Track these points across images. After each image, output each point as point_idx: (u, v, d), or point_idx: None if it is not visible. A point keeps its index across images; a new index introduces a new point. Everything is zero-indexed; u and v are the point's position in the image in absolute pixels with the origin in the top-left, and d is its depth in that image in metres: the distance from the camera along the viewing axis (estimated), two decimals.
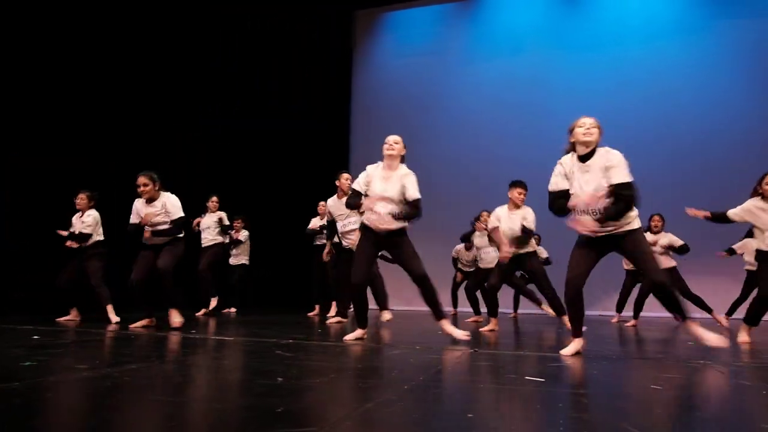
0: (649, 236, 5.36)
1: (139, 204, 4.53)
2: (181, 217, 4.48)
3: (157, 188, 4.46)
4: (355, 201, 3.65)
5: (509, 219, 4.66)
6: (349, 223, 5.02)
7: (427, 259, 3.87)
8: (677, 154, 8.68)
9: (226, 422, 1.51)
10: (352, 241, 4.85)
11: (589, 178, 2.96)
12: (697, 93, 8.87)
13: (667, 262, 5.61)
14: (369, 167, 3.72)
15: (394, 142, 3.65)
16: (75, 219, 5.30)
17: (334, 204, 5.22)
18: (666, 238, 5.73)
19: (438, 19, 10.52)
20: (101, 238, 5.23)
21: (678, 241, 5.69)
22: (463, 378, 2.41)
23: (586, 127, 3.02)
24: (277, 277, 9.02)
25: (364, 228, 3.71)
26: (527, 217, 4.61)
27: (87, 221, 5.16)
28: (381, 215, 3.52)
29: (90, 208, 5.25)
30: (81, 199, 5.23)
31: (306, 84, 10.18)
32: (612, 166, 2.91)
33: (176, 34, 9.50)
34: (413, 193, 3.53)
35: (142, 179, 4.39)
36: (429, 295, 3.59)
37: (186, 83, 9.66)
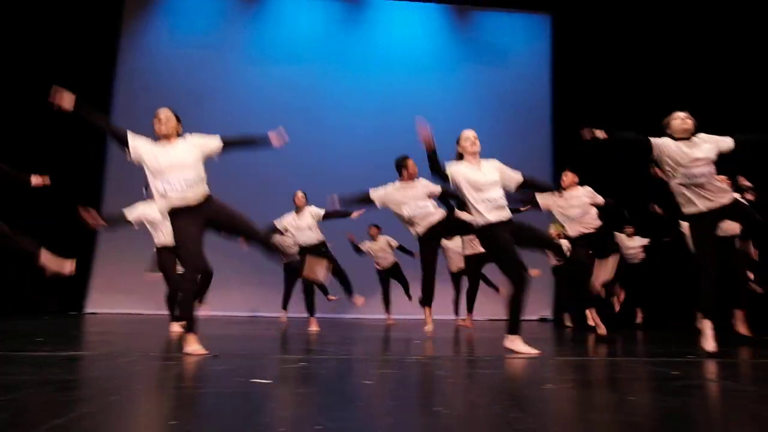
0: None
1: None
2: None
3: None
4: None
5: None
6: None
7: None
8: (430, 179, 9.79)
9: None
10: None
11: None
12: (444, 126, 10.18)
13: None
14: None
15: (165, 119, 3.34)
16: None
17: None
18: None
19: (218, 13, 10.20)
20: None
21: None
22: (186, 384, 2.32)
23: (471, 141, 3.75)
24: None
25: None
26: None
27: None
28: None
29: None
30: None
31: (65, 62, 8.84)
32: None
33: None
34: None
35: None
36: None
37: None
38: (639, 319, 7.77)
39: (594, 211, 5.13)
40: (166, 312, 5.63)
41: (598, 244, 5.12)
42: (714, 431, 1.66)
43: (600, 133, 3.62)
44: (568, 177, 5.21)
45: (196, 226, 3.13)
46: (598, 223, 5.14)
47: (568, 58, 10.15)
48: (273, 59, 10.10)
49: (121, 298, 8.88)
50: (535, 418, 1.72)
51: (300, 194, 6.05)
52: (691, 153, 3.43)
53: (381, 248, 7.75)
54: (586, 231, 5.03)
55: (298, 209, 5.93)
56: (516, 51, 10.58)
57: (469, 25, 10.68)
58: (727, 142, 3.50)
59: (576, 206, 5.05)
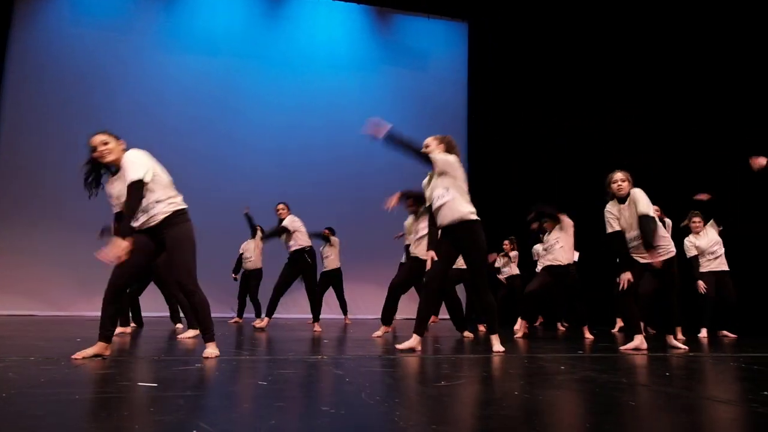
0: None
1: None
2: None
3: None
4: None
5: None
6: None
7: None
8: (343, 180, 9.80)
9: None
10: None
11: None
12: (362, 127, 10.25)
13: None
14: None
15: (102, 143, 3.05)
16: None
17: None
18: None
19: None
20: None
21: None
22: (59, 390, 2.15)
23: None
24: None
25: None
26: None
27: None
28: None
29: None
30: None
31: None
32: None
33: None
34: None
35: None
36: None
37: None
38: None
39: None
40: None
41: None
42: (574, 420, 1.77)
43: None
44: None
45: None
46: None
47: (483, 64, 10.53)
48: (188, 49, 9.70)
49: (8, 298, 8.19)
50: (419, 415, 1.76)
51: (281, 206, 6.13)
52: None
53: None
54: None
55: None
56: (435, 56, 10.84)
57: (389, 28, 10.80)
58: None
59: None
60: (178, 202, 3.09)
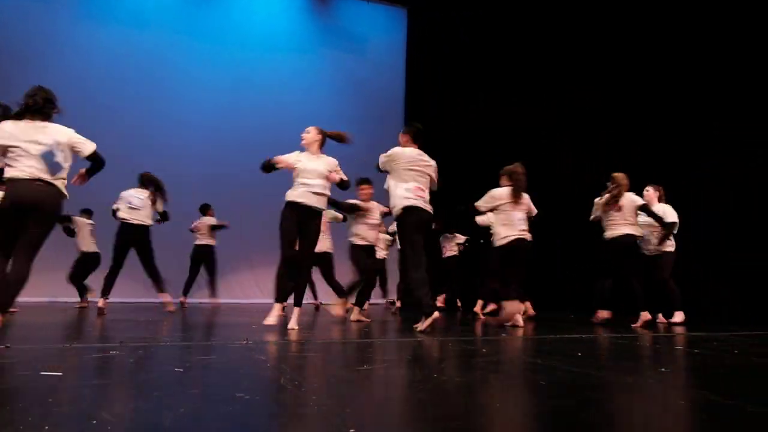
0: None
1: None
2: None
3: None
4: None
5: None
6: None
7: None
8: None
9: None
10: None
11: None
12: (299, 109, 10.07)
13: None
14: None
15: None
16: None
17: None
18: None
19: None
20: None
21: None
22: None
23: None
24: None
25: None
26: None
27: None
28: None
29: None
30: None
31: None
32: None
33: None
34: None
35: None
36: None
37: None
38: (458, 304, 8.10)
39: None
40: None
41: None
42: (485, 400, 1.83)
43: None
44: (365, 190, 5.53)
45: None
46: None
47: (421, 50, 10.59)
48: (114, 19, 9.15)
49: None
50: (336, 399, 1.76)
51: None
52: None
53: None
54: None
55: None
56: (373, 41, 10.78)
57: (328, 11, 10.63)
58: None
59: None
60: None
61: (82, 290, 6.70)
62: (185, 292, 7.46)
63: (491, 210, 4.93)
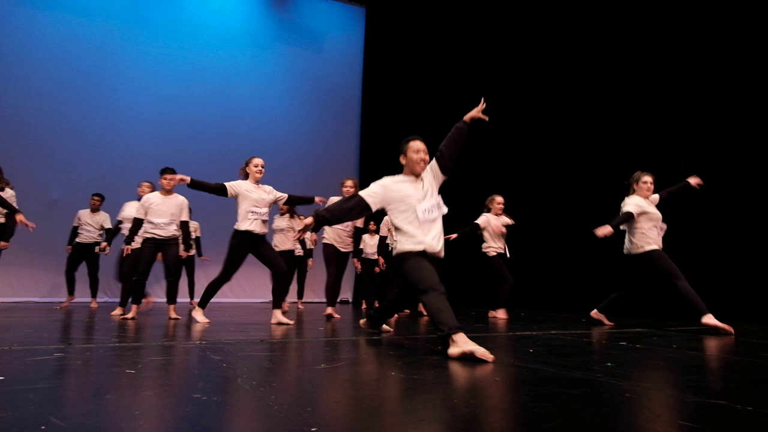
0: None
1: None
2: None
3: None
4: None
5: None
6: None
7: None
8: (229, 153, 9.44)
9: None
10: None
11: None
12: (253, 103, 9.93)
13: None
14: None
15: None
16: None
17: None
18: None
19: None
20: None
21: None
22: None
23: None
24: None
25: None
26: None
27: None
28: None
29: None
30: None
31: None
32: None
33: None
34: None
35: None
36: None
37: None
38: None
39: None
40: None
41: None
42: (444, 394, 1.87)
43: None
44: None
45: None
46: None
47: (379, 49, 10.62)
48: (58, 6, 8.74)
49: None
50: (294, 398, 1.75)
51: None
52: None
53: None
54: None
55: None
56: (331, 38, 10.74)
57: (285, 6, 10.52)
58: None
59: None
60: None
61: None
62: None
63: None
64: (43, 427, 1.31)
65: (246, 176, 4.85)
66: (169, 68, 9.31)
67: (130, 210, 6.31)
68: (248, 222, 4.65)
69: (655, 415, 1.61)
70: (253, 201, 4.66)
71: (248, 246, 4.66)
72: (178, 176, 4.57)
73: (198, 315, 4.76)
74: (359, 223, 5.88)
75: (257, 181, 4.82)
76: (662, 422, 1.52)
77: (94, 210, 6.86)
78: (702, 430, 1.42)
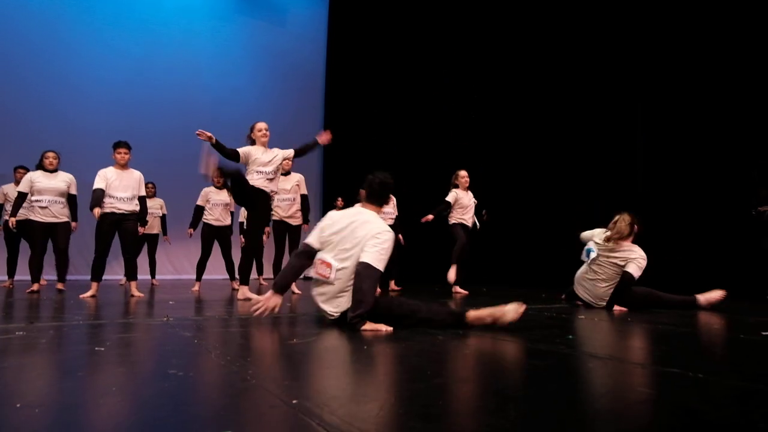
0: None
1: None
2: None
3: None
4: None
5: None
6: None
7: None
8: (188, 126, 9.15)
9: None
10: None
11: None
12: (213, 72, 9.66)
13: None
14: None
15: None
16: None
17: None
18: None
19: None
20: None
21: None
22: None
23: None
24: None
25: None
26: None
27: None
28: None
29: None
30: None
31: None
32: None
33: None
34: None
35: None
36: None
37: None
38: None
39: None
40: None
41: None
42: (412, 366, 1.93)
43: None
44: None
45: None
46: None
47: (343, 24, 10.46)
48: None
49: None
50: (272, 372, 1.78)
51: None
52: None
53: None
54: None
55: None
56: (294, 12, 10.52)
57: None
58: None
59: None
60: None
61: None
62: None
63: None
64: (18, 405, 1.30)
65: (253, 142, 4.87)
66: (127, 37, 8.93)
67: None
68: (255, 179, 4.71)
69: (616, 382, 1.71)
70: (261, 163, 4.72)
71: (257, 198, 4.72)
72: (207, 133, 4.48)
73: (245, 293, 4.70)
74: (303, 190, 6.01)
75: (264, 145, 4.85)
76: (623, 389, 1.63)
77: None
78: (658, 395, 1.53)
